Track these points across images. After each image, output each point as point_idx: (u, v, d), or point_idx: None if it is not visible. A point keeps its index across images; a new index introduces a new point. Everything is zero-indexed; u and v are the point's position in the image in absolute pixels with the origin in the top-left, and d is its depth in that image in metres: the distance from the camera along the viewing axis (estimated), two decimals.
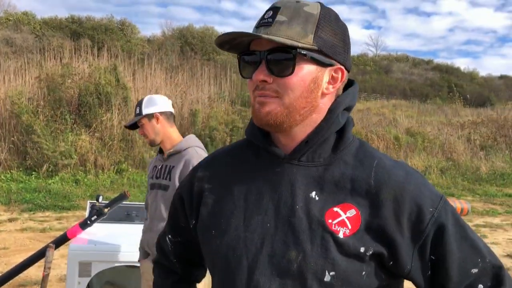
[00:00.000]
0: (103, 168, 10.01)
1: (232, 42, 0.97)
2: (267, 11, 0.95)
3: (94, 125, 10.50)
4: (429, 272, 0.95)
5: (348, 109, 1.02)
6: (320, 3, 0.97)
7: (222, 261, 0.97)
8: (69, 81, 10.77)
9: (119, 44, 20.23)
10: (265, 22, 0.93)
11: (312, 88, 0.94)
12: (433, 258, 0.94)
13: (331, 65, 0.96)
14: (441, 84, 42.15)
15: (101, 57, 12.72)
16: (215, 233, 1.00)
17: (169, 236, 1.20)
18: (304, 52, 0.92)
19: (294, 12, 0.92)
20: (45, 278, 2.60)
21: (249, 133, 1.05)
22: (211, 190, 1.05)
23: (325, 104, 0.98)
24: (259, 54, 0.93)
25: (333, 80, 0.97)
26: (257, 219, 0.97)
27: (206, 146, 12.14)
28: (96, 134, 10.44)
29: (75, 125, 10.40)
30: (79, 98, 10.62)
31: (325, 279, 0.90)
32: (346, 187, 0.95)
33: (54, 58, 12.39)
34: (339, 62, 0.97)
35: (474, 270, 0.95)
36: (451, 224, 0.94)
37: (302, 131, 0.98)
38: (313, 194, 0.95)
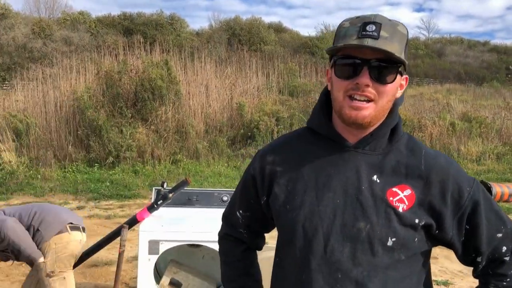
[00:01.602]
0: (160, 159, 10.51)
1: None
2: (367, 23, 1.11)
3: (150, 119, 11.01)
4: (463, 238, 1.21)
5: None
6: (402, 23, 1.17)
7: (300, 229, 1.18)
8: (125, 77, 11.30)
9: (170, 38, 20.82)
10: (370, 34, 1.10)
11: (394, 93, 1.18)
12: (468, 227, 1.20)
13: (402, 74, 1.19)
14: (499, 66, 40.21)
15: (153, 52, 13.22)
16: (290, 207, 1.22)
17: (240, 211, 1.41)
18: (400, 65, 1.14)
19: (392, 30, 1.12)
20: (121, 254, 2.94)
21: (317, 125, 1.27)
22: (283, 172, 1.26)
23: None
24: (362, 61, 1.12)
25: (400, 86, 1.21)
26: (328, 196, 1.18)
27: (254, 136, 12.17)
28: (152, 127, 10.94)
29: (132, 119, 10.95)
30: (135, 93, 11.15)
31: (388, 244, 1.13)
32: (402, 172, 1.18)
33: (110, 55, 13.01)
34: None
35: (499, 235, 1.22)
36: (482, 200, 1.20)
37: (372, 126, 1.19)
38: (375, 177, 1.18)
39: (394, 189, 1.16)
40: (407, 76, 1.21)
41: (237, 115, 12.04)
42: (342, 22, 1.19)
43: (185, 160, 10.68)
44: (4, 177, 9.12)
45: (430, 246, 1.22)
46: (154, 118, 11.04)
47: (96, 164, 10.15)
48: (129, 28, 31.61)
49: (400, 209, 1.15)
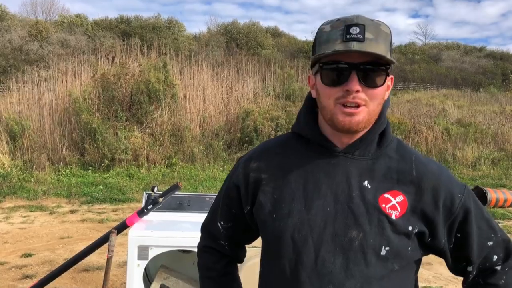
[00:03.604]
0: (155, 163, 10.47)
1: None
2: (350, 26, 1.06)
3: (145, 122, 10.98)
4: (452, 246, 1.18)
5: None
6: (384, 23, 1.11)
7: (288, 240, 1.13)
8: (121, 80, 11.27)
9: (168, 42, 20.80)
10: (355, 38, 1.05)
11: (384, 95, 1.13)
12: (459, 235, 1.17)
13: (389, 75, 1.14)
14: (495, 71, 40.41)
15: (151, 55, 13.20)
16: (277, 216, 1.16)
17: (221, 222, 1.33)
18: (389, 67, 1.10)
19: (376, 31, 1.07)
20: (109, 259, 2.90)
21: (304, 130, 1.21)
22: (268, 179, 1.20)
23: None
24: (350, 66, 1.07)
25: (387, 88, 1.15)
26: (317, 204, 1.13)
27: (251, 140, 12.12)
28: (147, 130, 10.90)
29: (127, 122, 10.90)
30: (131, 96, 11.11)
31: (381, 253, 1.09)
32: (393, 177, 1.14)
33: (106, 58, 12.98)
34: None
35: (490, 243, 1.19)
36: (473, 207, 1.17)
37: (362, 131, 1.15)
38: (366, 183, 1.13)
39: (386, 195, 1.12)
40: (392, 76, 1.16)
41: (234, 119, 12.01)
42: (322, 25, 1.13)
43: (180, 163, 10.63)
44: None
45: (422, 254, 1.18)
46: (150, 122, 11.01)
47: (90, 168, 10.10)
48: (126, 31, 31.57)
49: (393, 216, 1.10)
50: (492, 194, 8.16)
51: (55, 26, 32.52)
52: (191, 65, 13.27)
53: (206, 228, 1.40)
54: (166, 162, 10.61)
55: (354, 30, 1.05)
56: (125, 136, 10.42)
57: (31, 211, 7.61)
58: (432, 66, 40.07)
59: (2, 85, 17.95)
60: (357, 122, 1.09)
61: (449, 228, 1.15)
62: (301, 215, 1.13)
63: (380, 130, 1.17)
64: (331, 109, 1.10)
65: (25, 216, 7.30)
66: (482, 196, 8.25)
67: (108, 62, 12.71)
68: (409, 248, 1.12)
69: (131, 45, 13.45)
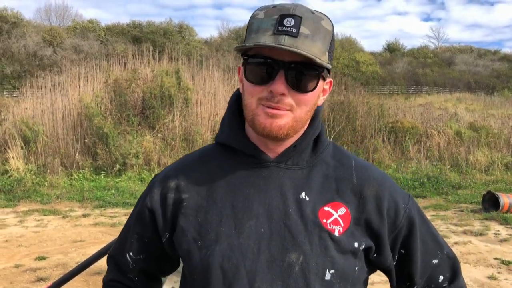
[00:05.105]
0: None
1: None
2: (284, 16, 0.90)
3: (157, 126, 11.07)
4: (395, 263, 1.05)
5: None
6: (327, 16, 0.97)
7: (217, 271, 0.95)
8: (134, 85, 11.39)
9: (180, 47, 20.95)
10: (288, 31, 0.89)
11: (316, 101, 0.98)
12: (403, 251, 1.04)
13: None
14: (510, 75, 40.03)
15: (162, 60, 13.30)
16: (202, 244, 0.97)
17: (131, 253, 1.11)
18: (322, 70, 0.94)
19: (315, 26, 0.91)
20: None
21: (228, 138, 1.04)
22: (190, 199, 1.02)
23: None
24: (279, 64, 0.91)
25: (323, 92, 1.01)
26: (249, 224, 0.96)
27: None
28: (159, 135, 10.99)
29: (139, 126, 11.01)
30: (143, 101, 11.22)
31: (326, 278, 0.94)
32: (332, 187, 1.00)
33: (119, 64, 13.11)
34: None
35: (435, 261, 1.07)
36: (418, 220, 1.05)
37: (292, 138, 1.00)
38: (303, 195, 0.98)
39: (326, 208, 0.98)
40: (331, 79, 1.02)
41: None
42: (256, 11, 0.96)
43: None
44: (12, 184, 9.20)
45: (368, 273, 1.04)
46: (162, 126, 11.10)
47: (102, 172, 10.20)
48: (138, 36, 31.89)
49: (336, 233, 0.96)
50: (505, 199, 8.07)
51: (68, 31, 32.98)
52: (203, 70, 13.35)
53: (112, 259, 1.17)
54: None
55: (289, 21, 0.90)
56: (136, 141, 10.52)
57: (44, 215, 7.72)
58: (445, 70, 39.82)
59: (16, 90, 18.24)
60: (278, 127, 0.93)
61: (393, 242, 1.02)
62: (230, 240, 0.96)
63: (314, 136, 1.03)
64: (253, 108, 0.95)
65: (39, 220, 7.40)
66: (495, 201, 8.17)
67: (120, 67, 12.84)
68: (356, 268, 0.97)
69: (143, 51, 13.57)
